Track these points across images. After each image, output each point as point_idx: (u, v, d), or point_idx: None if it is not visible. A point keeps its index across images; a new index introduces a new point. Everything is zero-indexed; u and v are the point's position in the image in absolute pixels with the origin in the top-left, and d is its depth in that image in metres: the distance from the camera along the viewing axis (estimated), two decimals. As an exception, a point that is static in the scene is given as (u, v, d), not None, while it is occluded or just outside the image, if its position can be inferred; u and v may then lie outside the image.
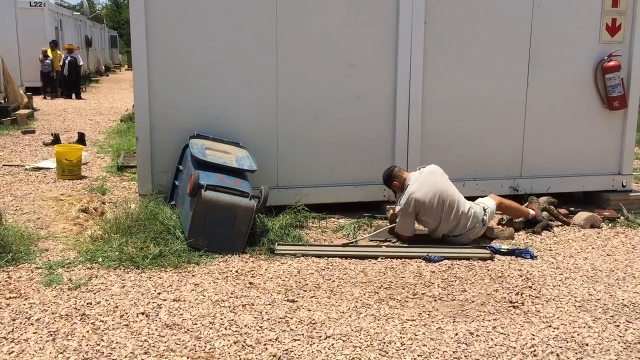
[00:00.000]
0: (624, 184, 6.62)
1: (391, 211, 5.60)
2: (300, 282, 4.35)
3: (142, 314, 3.76)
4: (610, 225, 5.98)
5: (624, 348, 3.47)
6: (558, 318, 3.85)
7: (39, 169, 8.03)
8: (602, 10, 6.35)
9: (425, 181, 5.23)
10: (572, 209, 6.20)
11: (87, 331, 3.52)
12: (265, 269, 4.59)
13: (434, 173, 5.33)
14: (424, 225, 5.35)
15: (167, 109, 5.62)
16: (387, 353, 3.36)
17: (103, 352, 3.28)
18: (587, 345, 3.50)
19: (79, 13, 30.74)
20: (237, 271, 4.52)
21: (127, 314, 3.75)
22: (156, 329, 3.56)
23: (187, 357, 3.26)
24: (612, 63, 6.36)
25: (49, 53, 18.86)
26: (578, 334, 3.63)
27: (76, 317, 3.69)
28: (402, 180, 5.39)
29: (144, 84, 5.54)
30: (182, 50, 5.59)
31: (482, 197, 5.66)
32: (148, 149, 5.63)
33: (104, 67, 32.70)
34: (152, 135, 5.63)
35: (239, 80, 5.73)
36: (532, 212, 5.74)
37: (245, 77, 5.74)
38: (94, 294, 4.04)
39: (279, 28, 5.72)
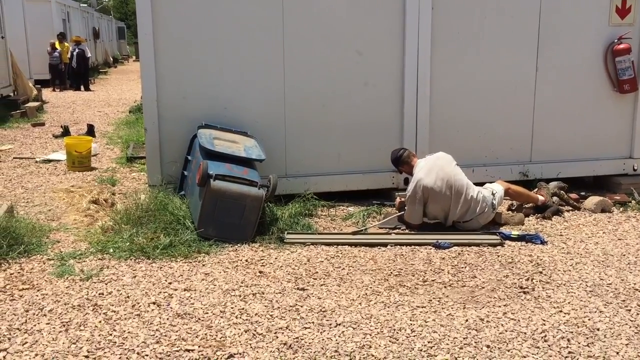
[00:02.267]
0: (635, 168, 6.58)
1: (398, 199, 5.60)
2: (310, 271, 4.37)
3: (154, 303, 3.78)
4: (621, 209, 5.94)
5: (636, 332, 3.46)
6: (569, 303, 3.84)
7: (49, 161, 8.08)
8: (611, -8, 6.28)
9: (433, 167, 5.21)
10: (582, 193, 6.17)
11: (100, 321, 3.55)
12: (275, 258, 4.60)
13: (441, 159, 5.31)
14: (434, 216, 5.33)
15: (175, 100, 5.63)
16: (398, 340, 3.36)
17: (115, 342, 3.31)
18: (598, 330, 3.49)
19: (86, 5, 30.75)
20: (247, 260, 4.54)
21: (138, 303, 3.78)
22: (167, 319, 3.58)
23: (199, 346, 3.28)
24: (622, 46, 6.30)
25: (57, 45, 18.89)
26: (589, 319, 3.62)
27: (88, 307, 3.73)
28: (410, 167, 5.38)
29: (152, 75, 5.54)
30: (189, 41, 5.58)
31: (491, 182, 5.63)
32: (157, 139, 5.64)
33: (111, 59, 32.74)
34: (161, 126, 5.64)
35: (246, 69, 5.72)
36: (541, 198, 5.71)
37: (253, 66, 5.73)
38: (106, 284, 4.08)
39: (285, 16, 5.70)
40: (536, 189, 5.93)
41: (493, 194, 5.35)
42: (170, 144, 5.67)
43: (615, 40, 6.32)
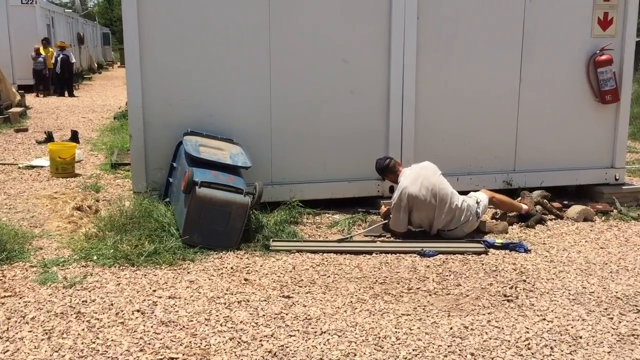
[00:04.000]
0: (617, 177, 6.66)
1: (383, 207, 5.62)
2: (295, 278, 4.36)
3: (138, 311, 3.76)
4: (603, 218, 6.01)
5: (617, 340, 3.50)
6: (552, 311, 3.87)
7: (33, 167, 8.00)
8: (594, 4, 6.37)
9: (418, 176, 5.25)
10: (565, 202, 6.24)
11: (83, 329, 3.51)
12: (261, 265, 4.60)
13: (426, 168, 5.35)
14: (419, 224, 5.35)
15: (160, 106, 5.61)
16: (383, 348, 3.37)
17: (99, 350, 3.29)
18: (580, 337, 3.52)
19: (70, 10, 30.59)
20: (232, 268, 4.52)
21: (122, 311, 3.75)
22: (152, 326, 3.56)
23: (183, 354, 3.26)
24: (604, 57, 6.39)
25: (41, 51, 18.76)
26: (572, 327, 3.65)
27: (71, 315, 3.69)
28: (395, 176, 5.42)
29: (137, 81, 5.52)
30: (175, 48, 5.57)
31: (475, 191, 5.68)
32: (142, 146, 5.62)
33: (96, 65, 32.55)
34: (146, 133, 5.61)
35: (232, 76, 5.72)
36: (524, 206, 5.76)
37: (239, 73, 5.73)
38: (89, 291, 4.04)
39: (271, 24, 5.71)
40: (520, 198, 5.99)
41: (477, 203, 5.39)
42: (155, 151, 5.64)
43: (598, 52, 6.42)
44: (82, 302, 3.88)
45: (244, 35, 5.69)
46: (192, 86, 5.66)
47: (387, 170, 5.47)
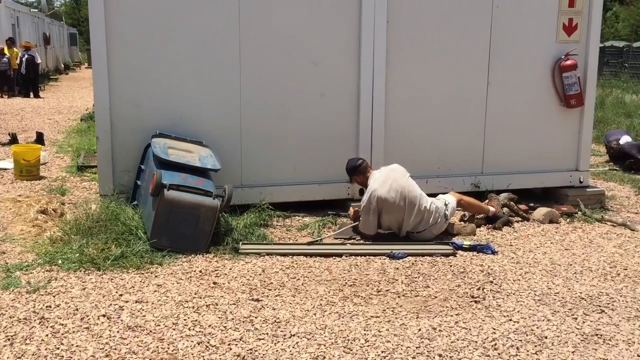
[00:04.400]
0: (581, 180, 6.79)
1: (352, 209, 5.63)
2: (264, 281, 4.34)
3: (104, 316, 3.69)
4: (568, 220, 6.12)
5: (582, 340, 3.57)
6: (518, 312, 3.93)
7: (-4, 169, 7.82)
8: (559, 10, 6.49)
9: (387, 178, 5.29)
10: (531, 204, 6.34)
11: (47, 335, 3.44)
12: (230, 269, 4.56)
13: (395, 171, 5.39)
14: (388, 226, 5.38)
15: (128, 108, 5.54)
16: (352, 350, 3.38)
17: (63, 356, 3.22)
18: (546, 337, 3.58)
19: (36, 10, 30.02)
20: (200, 271, 4.48)
21: (87, 316, 3.69)
22: (118, 332, 3.50)
23: (150, 359, 3.22)
24: (569, 62, 6.52)
25: (6, 51, 18.37)
26: (537, 327, 3.71)
27: (35, 320, 3.61)
28: (365, 178, 5.44)
29: (104, 83, 5.44)
30: (144, 48, 5.51)
31: (444, 194, 5.73)
32: (109, 148, 5.54)
33: (63, 66, 31.98)
34: (113, 135, 5.53)
35: (202, 78, 5.68)
36: (492, 209, 5.84)
37: (209, 75, 5.70)
38: (54, 296, 3.96)
39: (241, 26, 5.69)
40: (487, 200, 6.07)
41: (446, 205, 5.45)
42: (123, 153, 5.57)
43: (563, 57, 6.54)
44: (46, 307, 3.80)
45: (214, 38, 5.66)
46: (161, 88, 5.60)
47: (358, 171, 5.49)
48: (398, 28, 6.05)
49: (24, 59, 18.41)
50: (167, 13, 5.52)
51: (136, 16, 5.46)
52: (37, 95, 18.45)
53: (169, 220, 4.72)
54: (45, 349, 3.28)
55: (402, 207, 5.22)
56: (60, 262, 4.50)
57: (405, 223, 5.27)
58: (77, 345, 3.33)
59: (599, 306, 4.05)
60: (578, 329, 3.71)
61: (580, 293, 4.27)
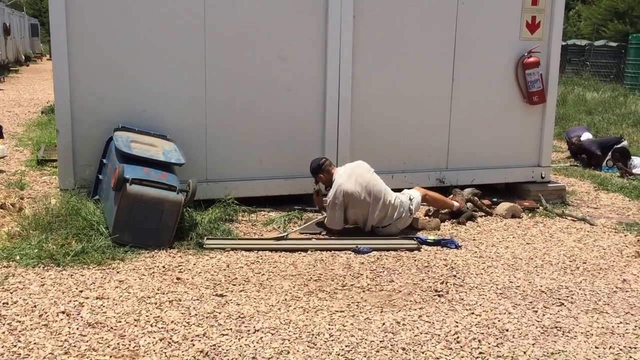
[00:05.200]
0: (543, 176, 6.92)
1: (315, 187, 5.61)
2: (229, 276, 4.31)
3: (63, 312, 3.62)
4: (530, 215, 6.23)
5: (542, 332, 3.63)
6: (480, 305, 3.98)
7: (-49, 163, 7.58)
8: (522, 8, 6.58)
9: (352, 173, 5.31)
10: (494, 199, 6.43)
11: (3, 332, 3.35)
12: (194, 264, 4.51)
13: (359, 166, 5.42)
14: (354, 220, 5.40)
15: (90, 100, 5.42)
16: (316, 345, 3.37)
17: (20, 354, 3.14)
18: (507, 330, 3.63)
19: (-4, -1, 29.18)
20: (164, 267, 4.42)
21: (46, 313, 3.60)
22: (77, 328, 3.43)
23: (110, 356, 3.16)
24: (531, 59, 6.62)
25: (-37, 41, 17.83)
26: (499, 320, 3.77)
27: (-9, 318, 3.52)
28: (330, 175, 5.44)
29: (65, 74, 5.32)
30: (106, 39, 5.40)
31: (409, 189, 5.77)
32: (69, 141, 5.42)
33: (23, 57, 31.14)
34: (74, 128, 5.41)
35: (166, 71, 5.60)
36: (456, 204, 5.91)
37: (173, 68, 5.61)
38: (11, 293, 3.86)
39: (206, 18, 5.62)
40: (451, 195, 6.13)
41: (410, 200, 5.49)
42: (84, 147, 5.45)
43: (526, 54, 6.64)
44: (3, 304, 3.70)
45: (179, 30, 5.58)
46: (124, 80, 5.49)
47: (322, 169, 5.48)
48: (364, 23, 6.06)
49: (-18, 50, 17.90)
50: (131, 3, 5.41)
51: (98, 7, 5.34)
52: (-4, 87, 17.95)
53: (132, 215, 4.65)
54: (2, 347, 3.20)
55: (367, 202, 5.24)
56: (18, 257, 4.39)
57: (370, 217, 5.30)
58: (35, 343, 3.25)
59: (559, 299, 4.13)
60: (538, 321, 3.78)
61: (541, 286, 4.35)
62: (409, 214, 5.44)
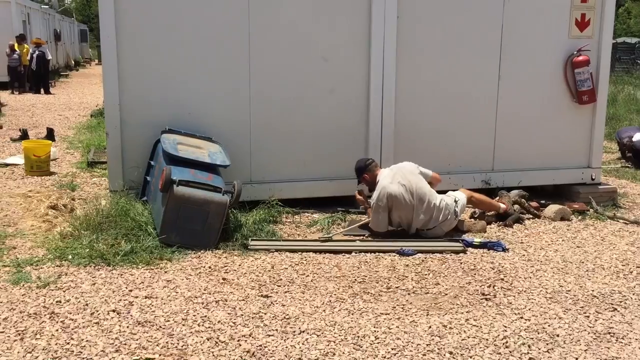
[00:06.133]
0: (593, 177, 6.73)
1: (356, 194, 5.60)
2: (274, 277, 4.33)
3: (113, 311, 3.70)
4: (580, 217, 6.07)
5: (594, 338, 3.53)
6: (529, 309, 3.89)
7: (7, 165, 7.86)
8: (571, 5, 6.43)
9: (396, 176, 5.27)
10: (542, 201, 6.28)
11: (57, 330, 3.45)
12: (239, 265, 4.56)
13: (404, 168, 5.39)
14: (398, 223, 5.35)
15: (138, 104, 5.54)
16: (361, 347, 3.36)
17: (73, 351, 3.23)
18: (558, 336, 3.54)
19: (47, 6, 30.12)
20: (210, 267, 4.48)
21: (97, 311, 3.69)
22: (127, 327, 3.50)
23: (159, 355, 3.22)
24: (581, 58, 6.45)
25: (16, 47, 18.45)
26: (549, 325, 3.68)
27: (45, 315, 3.62)
28: (374, 176, 5.41)
29: (114, 78, 5.44)
30: (153, 44, 5.50)
31: (454, 190, 5.70)
32: (119, 144, 5.54)
33: (73, 62, 32.09)
34: (123, 131, 5.54)
35: (211, 74, 5.67)
36: (502, 206, 5.80)
37: (218, 70, 5.68)
38: (64, 291, 3.97)
39: (251, 21, 5.67)
40: (497, 197, 6.02)
41: (455, 202, 5.42)
42: (132, 149, 5.57)
43: (575, 52, 6.48)
44: (56, 302, 3.81)
45: (224, 33, 5.65)
46: (171, 84, 5.59)
47: (367, 170, 5.45)
48: (409, 23, 6.01)
49: (34, 56, 18.50)
50: (176, 9, 5.51)
51: (146, 12, 5.45)
52: (47, 92, 18.54)
53: (179, 216, 4.72)
54: (56, 344, 3.29)
55: (411, 204, 5.19)
56: (70, 257, 4.52)
57: (415, 220, 5.24)
58: (87, 340, 3.33)
59: (612, 304, 4.01)
60: (590, 327, 3.67)
61: (593, 291, 4.22)
62: (455, 216, 5.37)
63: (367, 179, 5.49)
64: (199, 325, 3.56)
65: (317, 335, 3.47)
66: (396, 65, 6.01)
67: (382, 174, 5.37)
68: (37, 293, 3.93)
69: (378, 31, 5.92)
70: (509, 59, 6.34)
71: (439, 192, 5.46)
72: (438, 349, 3.36)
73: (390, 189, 5.18)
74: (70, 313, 3.66)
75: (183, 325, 3.55)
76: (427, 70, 6.17)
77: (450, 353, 3.31)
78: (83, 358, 3.16)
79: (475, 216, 5.86)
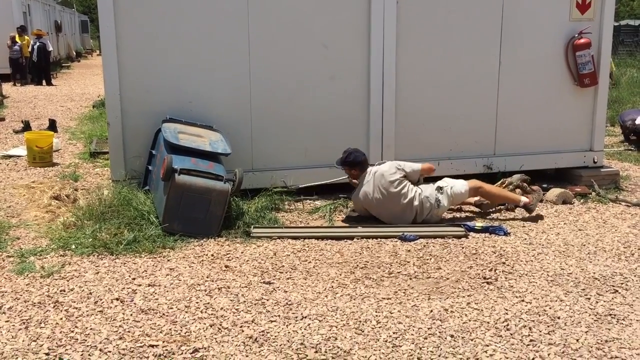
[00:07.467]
0: (595, 161, 6.72)
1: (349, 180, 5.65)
2: (276, 264, 4.35)
3: (117, 299, 3.73)
4: (582, 201, 6.07)
5: (595, 320, 3.54)
6: (531, 292, 3.91)
7: (9, 156, 7.88)
8: (572, -13, 6.39)
9: (373, 186, 5.23)
10: (544, 185, 6.27)
11: (61, 318, 3.48)
12: (241, 252, 4.58)
13: (382, 176, 5.22)
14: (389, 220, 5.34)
15: (138, 93, 5.54)
16: (363, 331, 3.38)
17: (77, 339, 3.26)
18: (559, 318, 3.56)
19: (47, -3, 30.00)
20: (212, 255, 4.50)
21: (101, 300, 3.72)
22: (131, 315, 3.53)
23: (163, 342, 3.24)
24: (582, 40, 6.41)
25: (17, 39, 18.43)
26: (550, 308, 3.69)
27: (49, 304, 3.65)
28: (362, 173, 5.36)
29: (114, 68, 5.44)
30: (153, 33, 5.49)
31: (457, 176, 5.66)
32: (120, 134, 5.55)
33: (74, 53, 32.02)
34: (124, 120, 5.54)
35: (211, 62, 5.66)
36: (523, 199, 5.49)
37: (218, 59, 5.67)
38: (67, 281, 4.00)
39: (250, 8, 5.65)
40: (499, 182, 5.97)
41: (440, 190, 5.31)
42: (134, 139, 5.58)
43: (576, 35, 6.44)
44: (60, 291, 3.84)
45: (223, 20, 5.63)
46: (171, 73, 5.59)
47: (361, 165, 5.35)
48: (408, 8, 5.98)
49: (35, 47, 18.48)
50: (175, -3, 5.49)
51: (145, 1, 5.43)
52: (49, 83, 18.54)
53: (181, 204, 4.74)
54: (60, 332, 3.32)
55: (390, 209, 5.22)
56: (73, 247, 4.55)
57: (402, 219, 5.23)
58: (91, 328, 3.37)
59: (613, 286, 4.02)
60: (591, 309, 3.68)
61: (594, 273, 4.23)
62: (437, 206, 5.26)
63: (354, 174, 5.41)
64: (201, 312, 3.58)
65: (319, 321, 3.49)
66: (396, 51, 5.99)
67: (365, 179, 5.30)
68: (41, 282, 3.96)
69: (378, 16, 5.89)
70: (509, 43, 6.31)
71: (440, 177, 5.44)
72: (439, 332, 3.38)
73: (364, 202, 5.31)
74: (74, 302, 3.69)
75: (186, 312, 3.58)
76: (428, 55, 6.14)
77: (452, 336, 3.33)
78: (87, 346, 3.19)
79: (480, 203, 5.71)
